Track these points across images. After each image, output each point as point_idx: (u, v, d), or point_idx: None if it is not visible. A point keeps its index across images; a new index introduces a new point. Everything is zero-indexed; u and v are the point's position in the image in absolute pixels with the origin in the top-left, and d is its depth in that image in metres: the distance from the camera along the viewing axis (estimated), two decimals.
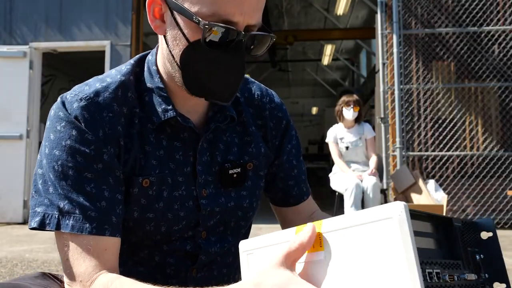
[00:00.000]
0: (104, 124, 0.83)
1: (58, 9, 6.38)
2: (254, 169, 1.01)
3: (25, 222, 6.11)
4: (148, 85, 0.91)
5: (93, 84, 0.88)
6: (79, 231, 0.78)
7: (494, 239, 0.67)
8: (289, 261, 0.60)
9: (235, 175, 0.96)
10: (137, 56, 0.97)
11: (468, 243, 0.66)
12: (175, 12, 0.82)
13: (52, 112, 0.85)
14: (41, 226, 0.79)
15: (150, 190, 0.88)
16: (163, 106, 0.89)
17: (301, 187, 1.11)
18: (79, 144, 0.80)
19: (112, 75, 0.91)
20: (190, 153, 0.93)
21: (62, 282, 0.85)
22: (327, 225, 0.61)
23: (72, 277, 0.78)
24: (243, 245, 0.71)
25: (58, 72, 10.17)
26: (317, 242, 0.61)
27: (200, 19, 0.79)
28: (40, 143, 6.61)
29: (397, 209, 0.53)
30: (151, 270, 0.92)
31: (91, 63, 9.27)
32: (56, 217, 0.78)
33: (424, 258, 0.55)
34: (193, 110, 0.94)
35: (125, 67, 0.93)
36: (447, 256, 0.62)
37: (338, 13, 11.09)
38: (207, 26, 0.79)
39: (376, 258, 0.53)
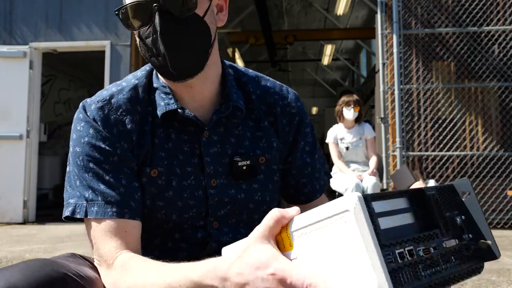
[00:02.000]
0: (117, 122, 0.93)
1: (58, 9, 6.38)
2: (266, 163, 1.02)
3: (25, 222, 6.11)
4: (155, 85, 0.99)
5: (110, 88, 0.98)
6: (102, 215, 0.87)
7: (472, 198, 0.67)
8: (271, 236, 0.62)
9: (245, 167, 0.99)
10: None
11: (446, 208, 0.65)
12: None
13: (75, 115, 0.96)
14: (72, 214, 0.89)
15: (159, 180, 0.95)
16: (166, 101, 0.96)
17: (314, 184, 1.10)
18: (96, 140, 0.91)
19: (128, 79, 1.01)
20: (196, 145, 0.98)
21: (91, 263, 0.93)
22: (296, 223, 0.61)
23: (99, 257, 0.88)
24: (225, 251, 0.72)
25: (58, 72, 10.17)
26: (287, 241, 0.62)
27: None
28: (40, 143, 6.63)
29: (352, 201, 0.54)
30: (164, 254, 0.95)
31: (91, 63, 9.27)
32: (84, 206, 0.89)
33: (394, 239, 0.55)
34: (196, 99, 0.98)
35: (140, 72, 1.02)
36: (424, 227, 0.62)
37: (338, 13, 11.09)
38: (116, 12, 0.89)
39: (340, 251, 0.55)
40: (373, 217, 0.54)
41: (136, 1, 0.87)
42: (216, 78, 1.00)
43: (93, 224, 0.88)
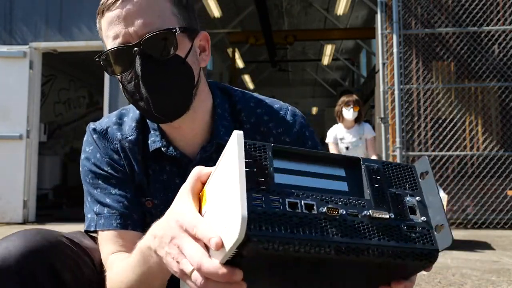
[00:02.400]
0: (116, 150, 1.00)
1: (58, 9, 6.39)
2: None
3: (25, 222, 6.11)
4: (148, 120, 1.03)
5: (112, 116, 1.05)
6: (108, 226, 0.94)
7: (430, 179, 0.63)
8: (192, 192, 0.65)
9: None
10: None
11: (394, 185, 0.62)
12: None
13: (85, 136, 1.04)
14: (88, 228, 0.97)
15: (154, 210, 0.99)
16: (152, 138, 0.99)
17: None
18: (101, 162, 0.99)
19: (130, 110, 1.05)
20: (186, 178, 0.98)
21: (94, 238, 1.02)
22: (210, 179, 0.64)
23: (104, 263, 0.93)
24: None
25: (58, 72, 10.17)
26: (204, 197, 0.64)
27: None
28: (40, 143, 6.63)
29: (232, 139, 0.56)
30: None
31: (91, 63, 9.22)
32: (95, 219, 0.96)
33: (291, 189, 0.55)
34: (185, 138, 0.99)
35: None
36: (355, 196, 0.59)
37: (338, 13, 11.10)
38: (97, 58, 0.91)
39: (226, 189, 0.55)
40: (250, 155, 0.55)
41: (117, 47, 0.87)
42: (207, 114, 1.00)
43: (100, 234, 0.96)
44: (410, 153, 5.67)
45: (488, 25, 5.79)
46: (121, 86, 0.94)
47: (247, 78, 16.55)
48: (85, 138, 1.04)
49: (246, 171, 0.54)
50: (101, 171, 0.98)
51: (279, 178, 0.57)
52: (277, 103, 1.07)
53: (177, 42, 0.88)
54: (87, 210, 0.99)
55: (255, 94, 1.09)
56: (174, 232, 0.61)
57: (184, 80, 0.91)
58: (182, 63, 0.90)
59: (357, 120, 4.61)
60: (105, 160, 0.99)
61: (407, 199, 0.61)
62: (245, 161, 0.54)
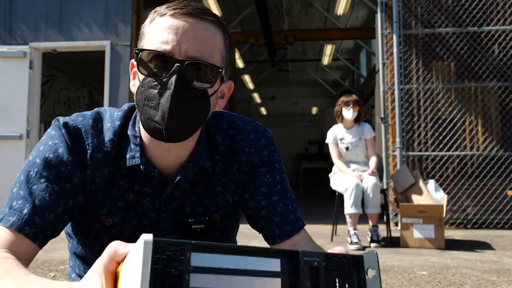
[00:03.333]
0: (84, 153, 0.94)
1: (58, 9, 6.38)
2: (221, 219, 1.04)
3: None
4: (129, 132, 0.98)
5: (88, 117, 0.98)
6: (18, 229, 0.85)
7: (375, 278, 0.57)
8: (105, 271, 0.59)
9: (198, 230, 1.00)
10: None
11: (338, 281, 0.56)
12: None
13: (49, 129, 0.97)
14: None
15: (113, 229, 0.97)
16: (132, 153, 0.95)
17: (272, 229, 1.05)
18: (59, 161, 0.91)
19: (107, 116, 0.99)
20: (157, 199, 0.98)
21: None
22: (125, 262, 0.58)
23: None
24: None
25: (58, 72, 10.17)
26: (118, 278, 0.58)
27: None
28: None
29: (138, 244, 0.51)
30: None
31: (91, 63, 9.26)
32: (5, 212, 0.87)
33: None
34: (167, 159, 0.97)
35: (117, 112, 1.01)
36: None
37: (338, 13, 11.09)
38: (137, 51, 0.88)
39: None
40: (162, 260, 0.50)
41: (163, 52, 0.86)
42: (193, 142, 1.00)
43: (3, 230, 0.85)
44: (410, 153, 5.67)
45: (488, 25, 5.79)
46: (135, 85, 0.93)
47: (247, 78, 16.54)
48: (49, 130, 0.97)
49: (154, 278, 0.49)
50: (52, 170, 0.90)
51: (197, 281, 0.51)
52: (249, 125, 1.08)
53: (215, 82, 0.91)
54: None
55: (228, 114, 1.10)
56: None
57: (201, 114, 0.92)
58: (206, 99, 0.91)
59: (357, 120, 4.61)
60: (66, 158, 0.92)
61: None
62: (155, 267, 0.49)
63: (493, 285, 2.71)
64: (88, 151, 0.94)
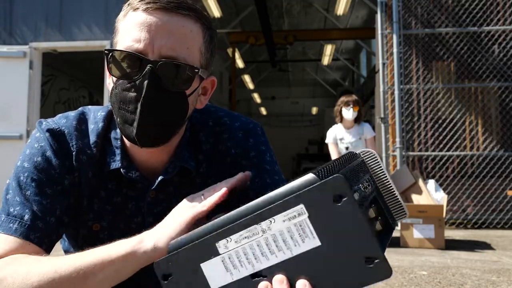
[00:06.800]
0: (69, 156, 0.91)
1: (58, 9, 6.38)
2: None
3: None
4: (111, 134, 0.94)
5: (71, 118, 0.94)
6: (24, 237, 0.82)
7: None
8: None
9: None
10: None
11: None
12: None
13: (34, 132, 0.94)
14: None
15: (101, 234, 0.93)
16: (113, 157, 0.92)
17: None
18: (48, 164, 0.89)
19: (91, 117, 0.96)
20: (141, 203, 0.95)
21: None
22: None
23: None
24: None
25: (58, 72, 10.17)
26: None
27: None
28: None
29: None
30: None
31: (91, 63, 9.27)
32: (3, 219, 0.84)
33: None
34: (150, 161, 0.93)
35: (100, 112, 0.97)
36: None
37: (338, 13, 11.09)
38: (106, 51, 0.83)
39: None
40: None
41: (133, 53, 0.81)
42: (177, 140, 0.95)
43: (5, 238, 0.82)
44: (410, 153, 5.67)
45: (488, 25, 5.79)
46: (110, 88, 0.87)
47: (247, 78, 16.54)
48: (33, 132, 0.94)
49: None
50: (43, 174, 0.88)
51: None
52: (237, 121, 1.01)
53: (192, 82, 0.85)
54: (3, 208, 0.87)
55: (215, 109, 1.03)
56: None
57: (178, 116, 0.87)
58: (183, 100, 0.86)
59: (357, 120, 4.61)
60: (55, 161, 0.89)
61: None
62: None
63: (493, 285, 2.71)
64: (73, 153, 0.91)
